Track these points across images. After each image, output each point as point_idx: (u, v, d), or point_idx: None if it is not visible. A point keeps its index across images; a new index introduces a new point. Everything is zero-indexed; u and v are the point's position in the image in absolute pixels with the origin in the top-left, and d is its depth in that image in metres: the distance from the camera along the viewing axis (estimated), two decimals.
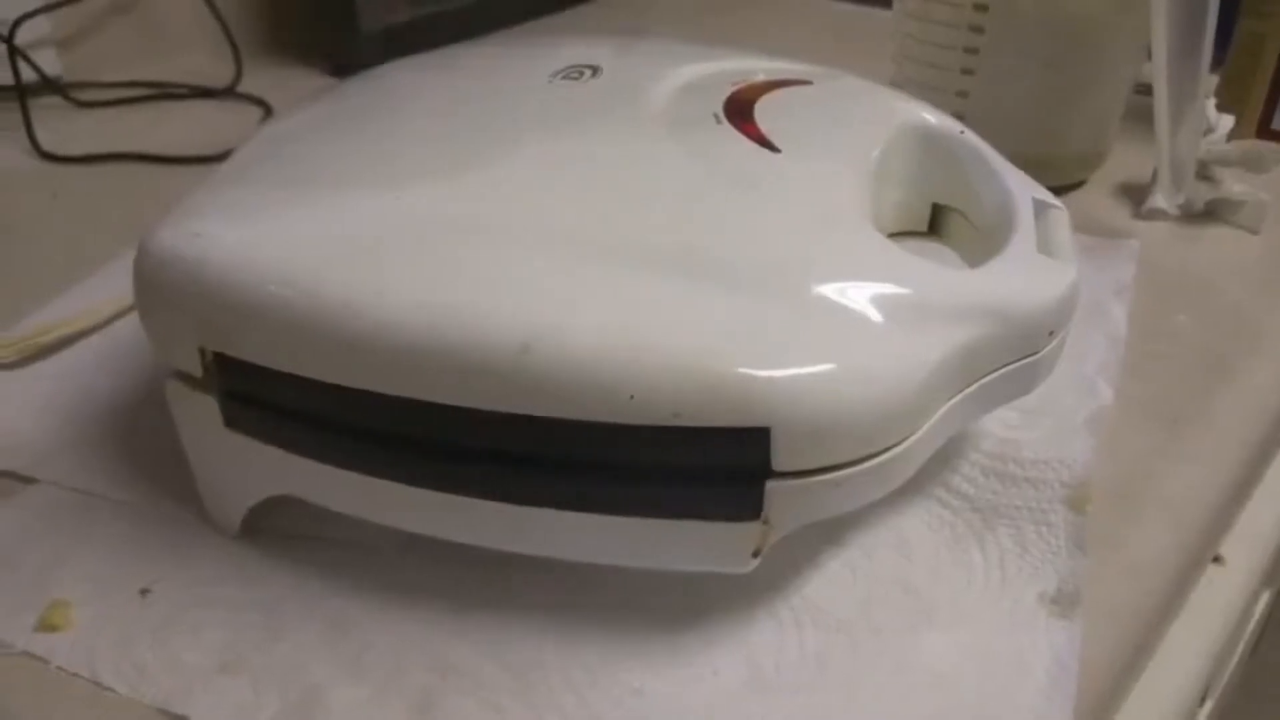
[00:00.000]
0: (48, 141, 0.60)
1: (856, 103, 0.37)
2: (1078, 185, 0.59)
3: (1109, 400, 0.40)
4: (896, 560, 0.33)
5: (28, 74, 0.63)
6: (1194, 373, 0.44)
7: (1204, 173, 0.56)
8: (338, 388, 0.27)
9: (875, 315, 0.27)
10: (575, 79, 0.35)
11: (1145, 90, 0.54)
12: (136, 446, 0.37)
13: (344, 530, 0.33)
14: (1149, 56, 0.51)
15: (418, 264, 0.27)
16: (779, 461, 0.26)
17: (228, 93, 0.69)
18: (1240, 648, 0.59)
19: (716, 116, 0.33)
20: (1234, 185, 0.55)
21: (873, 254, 0.29)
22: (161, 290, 0.29)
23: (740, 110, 0.34)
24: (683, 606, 0.31)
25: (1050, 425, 0.37)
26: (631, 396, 0.25)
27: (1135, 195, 0.58)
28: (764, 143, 0.32)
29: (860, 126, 0.36)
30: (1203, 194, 0.55)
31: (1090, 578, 0.33)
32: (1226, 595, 0.43)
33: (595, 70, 0.36)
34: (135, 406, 0.39)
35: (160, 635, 0.30)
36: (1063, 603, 0.32)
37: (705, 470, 0.26)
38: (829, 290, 0.27)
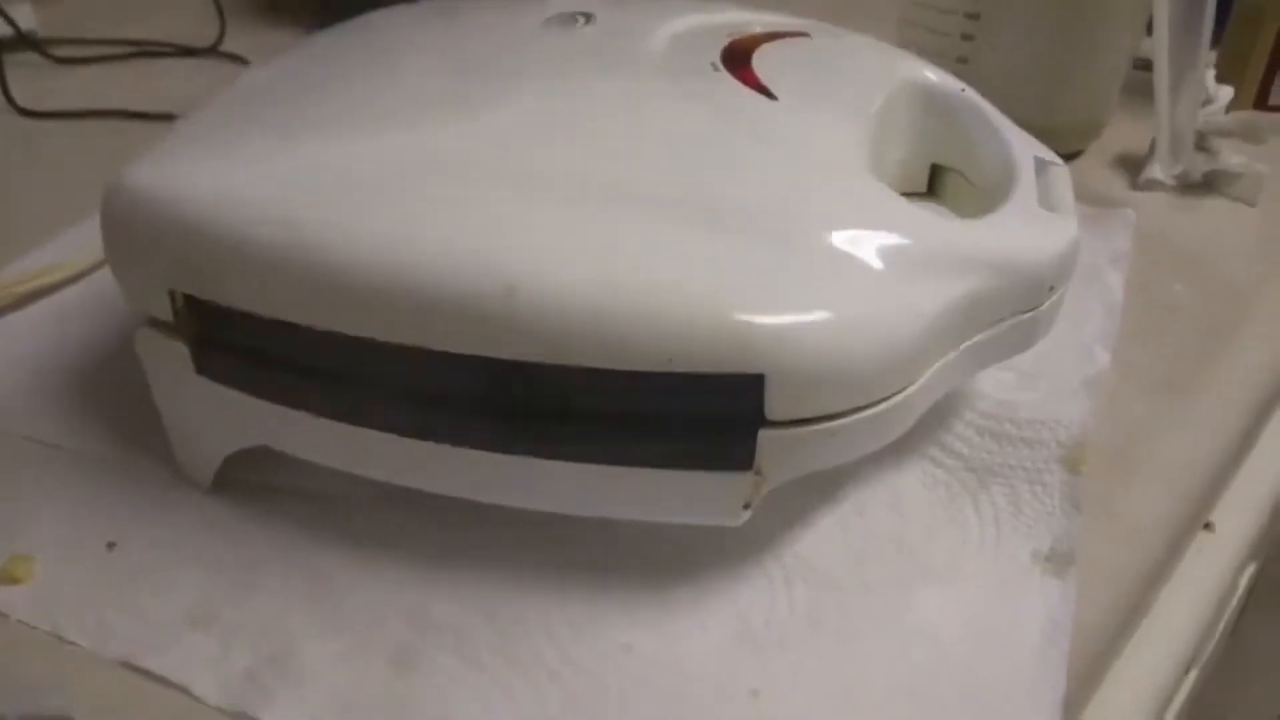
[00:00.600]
0: (23, 97, 0.59)
1: (856, 56, 0.37)
2: (1075, 156, 0.58)
3: (1106, 365, 0.39)
4: (890, 518, 0.32)
5: (2, 29, 0.62)
6: (1190, 341, 0.43)
7: (1202, 144, 0.55)
8: (313, 331, 0.26)
9: (874, 263, 0.26)
10: (568, 25, 0.34)
11: (1143, 65, 0.54)
12: (108, 400, 0.36)
13: (321, 483, 0.32)
14: (1149, 28, 0.50)
15: (400, 204, 0.26)
16: (772, 410, 0.25)
17: (210, 51, 0.68)
18: (1225, 617, 0.59)
19: (714, 64, 0.32)
20: (1231, 157, 0.54)
21: (873, 202, 0.28)
22: (131, 230, 0.28)
23: (737, 58, 0.33)
24: (671, 562, 0.30)
25: (1047, 387, 0.37)
26: (622, 341, 0.24)
27: (1132, 167, 0.57)
28: (761, 90, 0.31)
29: (860, 79, 0.35)
30: (1200, 165, 0.54)
31: (1085, 539, 0.32)
32: (1217, 562, 0.43)
33: (589, 18, 0.35)
34: (107, 360, 0.38)
35: (126, 589, 0.29)
36: (1057, 561, 0.31)
37: (697, 418, 0.26)
38: (827, 237, 0.26)
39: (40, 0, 0.66)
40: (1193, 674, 0.55)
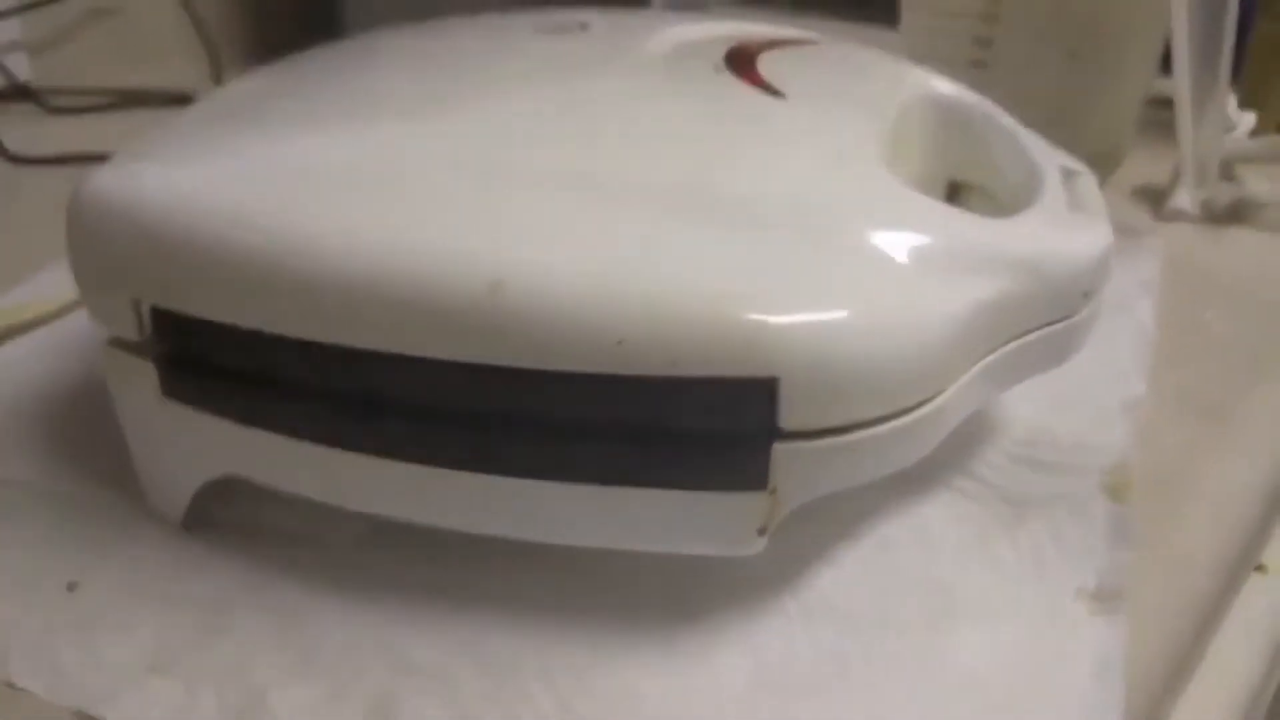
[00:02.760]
0: (16, 145, 0.57)
1: (868, 65, 0.35)
2: None
3: (1142, 391, 0.37)
4: (918, 554, 0.30)
5: None
6: (1229, 368, 0.41)
7: (1226, 173, 0.53)
8: (285, 341, 0.24)
9: (896, 260, 0.24)
10: (563, 33, 0.33)
11: (1159, 103, 0.52)
12: (79, 437, 0.34)
13: (297, 521, 0.29)
14: (1163, 65, 0.49)
15: (378, 199, 0.24)
16: (787, 419, 0.23)
17: None
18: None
19: (716, 66, 0.31)
20: (1258, 185, 0.52)
21: (893, 196, 0.26)
22: (93, 236, 0.26)
23: (742, 62, 0.31)
24: (680, 602, 0.28)
25: (1084, 412, 0.34)
26: (620, 342, 0.22)
27: (1154, 199, 0.55)
28: (768, 89, 0.29)
29: (873, 85, 0.33)
30: (1226, 194, 0.52)
31: (1131, 573, 0.29)
32: (1271, 606, 0.40)
33: (584, 26, 0.33)
34: (77, 397, 0.36)
35: (85, 632, 0.27)
36: (1104, 598, 0.28)
37: (705, 431, 0.23)
38: (844, 232, 0.24)
39: (36, 51, 0.66)
40: None
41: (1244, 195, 0.52)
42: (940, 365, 0.24)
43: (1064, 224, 0.28)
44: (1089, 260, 0.28)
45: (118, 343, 0.27)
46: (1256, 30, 0.61)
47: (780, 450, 0.23)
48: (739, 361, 0.22)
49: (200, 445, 0.27)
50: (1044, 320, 0.27)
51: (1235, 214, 0.53)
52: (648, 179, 0.25)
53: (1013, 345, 0.27)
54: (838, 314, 0.23)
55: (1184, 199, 0.52)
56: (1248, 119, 0.55)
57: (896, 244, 0.24)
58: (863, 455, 0.24)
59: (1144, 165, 0.58)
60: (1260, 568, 0.41)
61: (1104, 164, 0.56)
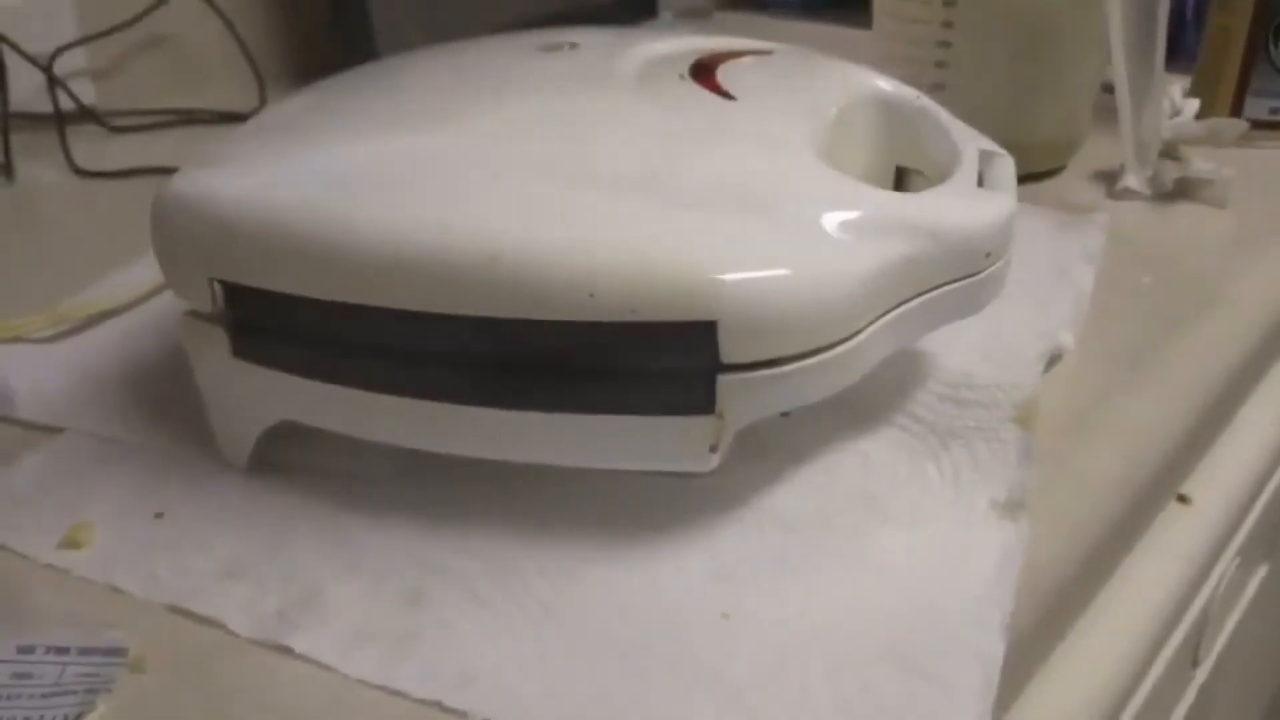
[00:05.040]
0: (82, 160, 0.65)
1: (815, 69, 0.41)
2: (1057, 172, 0.62)
3: (1067, 344, 0.42)
4: (857, 476, 0.35)
5: (66, 102, 0.68)
6: (1153, 324, 0.46)
7: (1172, 153, 0.58)
8: (332, 305, 0.30)
9: (816, 227, 0.30)
10: (556, 51, 0.39)
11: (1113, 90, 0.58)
12: (157, 401, 0.40)
13: (342, 462, 0.36)
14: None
15: (405, 191, 0.30)
16: (728, 354, 0.29)
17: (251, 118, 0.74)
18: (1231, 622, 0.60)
19: (681, 76, 0.37)
20: (1201, 164, 0.57)
21: (816, 176, 0.32)
22: (177, 229, 0.32)
23: (704, 71, 0.37)
24: (655, 518, 0.33)
25: (1004, 360, 0.40)
26: (591, 295, 0.28)
27: (1110, 180, 0.60)
28: (722, 93, 0.35)
29: (816, 86, 0.39)
30: (1171, 173, 0.57)
31: (1043, 492, 0.35)
32: (1192, 534, 0.45)
33: (574, 45, 0.39)
34: (157, 369, 0.42)
35: (172, 549, 0.33)
36: (1011, 508, 0.34)
37: (663, 366, 0.29)
38: (773, 205, 0.30)
39: (100, 76, 0.73)
40: (1206, 666, 0.57)
41: (1188, 174, 0.57)
42: (851, 312, 0.30)
43: (966, 196, 0.34)
44: (986, 225, 0.33)
45: (194, 314, 0.34)
46: (1210, 22, 0.66)
47: (724, 381, 0.29)
48: (685, 308, 0.28)
49: (263, 396, 0.34)
50: (949, 277, 0.33)
51: (1181, 191, 0.58)
52: (615, 170, 0.31)
53: (924, 297, 0.33)
54: (764, 269, 0.29)
55: (1133, 179, 0.57)
56: (1192, 104, 0.60)
57: (815, 215, 0.30)
58: (793, 384, 0.30)
59: (1106, 149, 0.63)
60: (1183, 498, 0.46)
61: (1062, 150, 0.62)
